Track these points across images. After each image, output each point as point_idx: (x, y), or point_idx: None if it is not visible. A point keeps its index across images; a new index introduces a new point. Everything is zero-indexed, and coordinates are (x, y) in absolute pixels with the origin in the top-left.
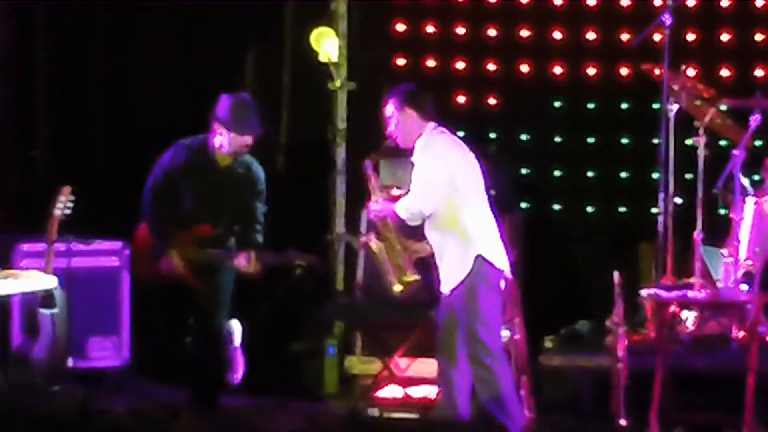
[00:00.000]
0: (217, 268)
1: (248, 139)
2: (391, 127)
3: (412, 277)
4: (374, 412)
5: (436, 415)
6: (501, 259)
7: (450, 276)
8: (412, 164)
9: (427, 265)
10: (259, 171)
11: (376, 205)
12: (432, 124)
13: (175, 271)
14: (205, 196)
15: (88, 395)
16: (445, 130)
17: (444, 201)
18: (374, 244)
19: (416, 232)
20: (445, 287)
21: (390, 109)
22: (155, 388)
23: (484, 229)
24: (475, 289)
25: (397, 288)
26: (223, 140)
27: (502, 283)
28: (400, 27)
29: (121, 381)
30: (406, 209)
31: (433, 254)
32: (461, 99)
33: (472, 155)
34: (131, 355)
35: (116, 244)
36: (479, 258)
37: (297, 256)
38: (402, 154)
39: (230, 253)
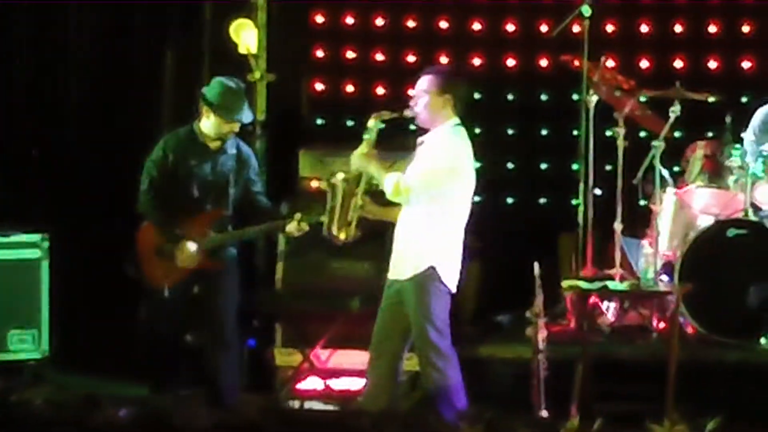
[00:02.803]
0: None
1: (234, 126)
2: (419, 105)
3: (352, 233)
4: (294, 403)
5: (362, 406)
6: (453, 280)
7: (400, 266)
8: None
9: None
10: (249, 149)
11: (363, 157)
12: (457, 119)
13: (194, 261)
14: (207, 180)
15: (7, 387)
16: (464, 130)
17: (434, 198)
18: (341, 185)
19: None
20: (393, 273)
21: (427, 86)
22: (75, 380)
23: (449, 245)
24: (425, 293)
25: (341, 236)
26: (209, 123)
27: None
28: (319, 18)
29: (40, 373)
30: (394, 184)
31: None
32: (380, 90)
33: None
34: (51, 348)
35: (36, 236)
36: (432, 269)
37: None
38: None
39: (271, 224)
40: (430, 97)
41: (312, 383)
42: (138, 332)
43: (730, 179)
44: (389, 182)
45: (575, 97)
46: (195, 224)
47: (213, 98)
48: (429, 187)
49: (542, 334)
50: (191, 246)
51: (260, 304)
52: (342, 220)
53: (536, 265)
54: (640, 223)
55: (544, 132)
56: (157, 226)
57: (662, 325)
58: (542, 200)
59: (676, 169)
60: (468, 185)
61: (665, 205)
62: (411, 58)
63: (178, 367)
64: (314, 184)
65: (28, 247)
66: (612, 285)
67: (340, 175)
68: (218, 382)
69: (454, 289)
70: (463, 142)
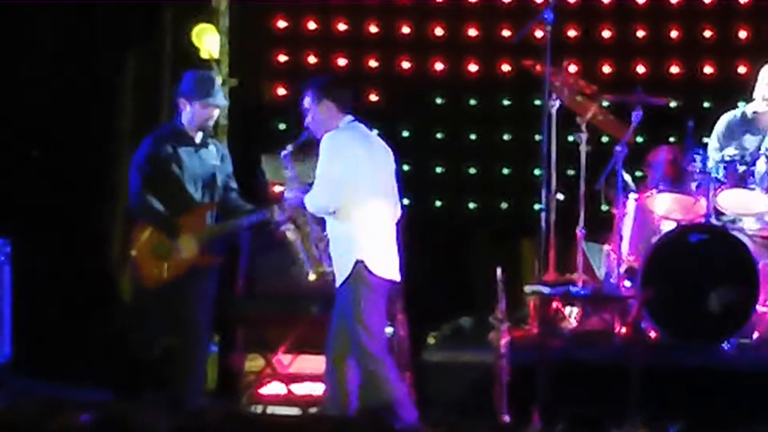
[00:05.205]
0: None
1: (213, 111)
2: (309, 119)
3: (327, 268)
4: (257, 408)
5: (323, 412)
6: (385, 267)
7: (337, 271)
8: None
9: None
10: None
11: (290, 194)
12: (349, 118)
13: (194, 257)
14: (197, 173)
15: None
16: (359, 124)
17: (342, 199)
18: (290, 233)
19: None
20: (336, 281)
21: (308, 100)
22: (36, 385)
23: (371, 233)
24: (357, 292)
25: (312, 277)
26: (188, 115)
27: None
28: (281, 23)
29: (2, 378)
30: (310, 202)
31: None
32: None
33: (383, 154)
34: (13, 353)
35: None
36: (360, 264)
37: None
38: (313, 148)
39: (256, 214)
40: (313, 110)
41: (274, 388)
42: (109, 339)
43: (692, 184)
44: (307, 205)
45: (537, 102)
46: (191, 217)
47: (186, 87)
48: (330, 192)
49: (505, 339)
50: (191, 239)
51: (222, 308)
52: (312, 261)
53: (499, 270)
54: (602, 228)
55: (506, 137)
56: (154, 223)
57: (624, 330)
58: (504, 205)
59: (638, 174)
60: (365, 168)
61: (628, 210)
62: (372, 63)
63: (146, 370)
64: (277, 189)
65: None
66: (574, 290)
67: (288, 228)
68: (184, 383)
69: (395, 276)
70: (346, 133)
